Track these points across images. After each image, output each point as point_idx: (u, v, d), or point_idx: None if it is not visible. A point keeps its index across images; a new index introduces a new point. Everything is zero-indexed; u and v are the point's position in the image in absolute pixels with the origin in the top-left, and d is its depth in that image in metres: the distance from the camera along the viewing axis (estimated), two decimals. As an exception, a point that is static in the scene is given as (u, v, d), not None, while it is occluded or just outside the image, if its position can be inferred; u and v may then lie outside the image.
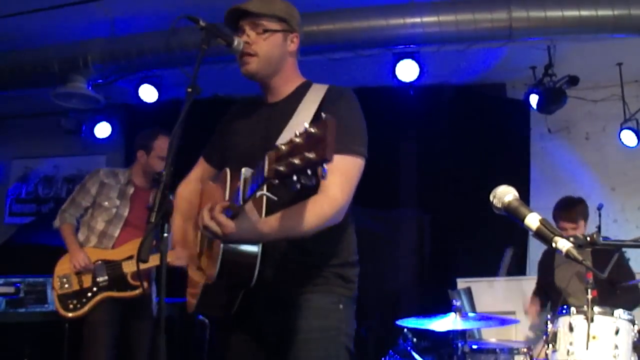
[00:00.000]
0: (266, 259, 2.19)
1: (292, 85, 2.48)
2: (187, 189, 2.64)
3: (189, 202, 2.61)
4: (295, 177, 1.67)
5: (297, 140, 1.67)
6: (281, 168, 1.68)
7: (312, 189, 2.17)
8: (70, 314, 4.29)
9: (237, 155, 2.40)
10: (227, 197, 2.15)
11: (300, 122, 2.20)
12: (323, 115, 1.65)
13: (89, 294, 4.32)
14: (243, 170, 1.92)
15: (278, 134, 2.21)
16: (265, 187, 1.83)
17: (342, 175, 2.21)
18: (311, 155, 1.62)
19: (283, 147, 1.70)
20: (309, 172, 1.65)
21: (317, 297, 2.31)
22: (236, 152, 2.45)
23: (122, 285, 4.34)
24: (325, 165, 1.65)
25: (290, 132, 1.78)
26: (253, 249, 2.13)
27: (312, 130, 1.64)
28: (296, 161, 1.65)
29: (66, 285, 4.33)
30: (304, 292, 2.31)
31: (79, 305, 4.29)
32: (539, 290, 5.07)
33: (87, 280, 4.34)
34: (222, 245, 2.09)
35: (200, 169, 2.67)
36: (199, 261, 2.38)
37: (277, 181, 1.72)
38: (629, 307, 3.96)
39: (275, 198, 1.94)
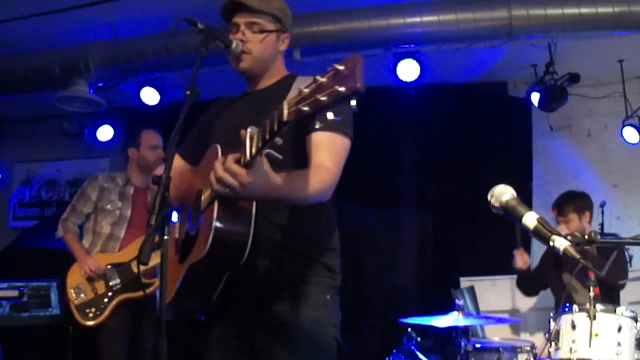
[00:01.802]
0: (257, 246, 2.16)
1: (278, 76, 2.52)
2: None
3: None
4: (319, 116, 1.66)
5: (322, 79, 1.63)
6: (305, 108, 1.65)
7: (300, 158, 2.20)
8: (90, 322, 4.27)
9: (220, 136, 2.39)
10: None
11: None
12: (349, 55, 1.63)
13: (106, 300, 4.31)
14: (248, 129, 1.88)
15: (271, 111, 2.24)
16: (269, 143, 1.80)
17: (333, 151, 2.25)
18: (341, 89, 1.58)
19: (305, 89, 1.67)
20: (335, 108, 1.63)
21: (307, 288, 2.31)
22: (219, 134, 2.43)
23: (135, 285, 4.33)
24: (355, 101, 1.62)
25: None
26: (245, 228, 2.09)
27: (339, 67, 1.61)
28: (323, 98, 1.61)
29: (81, 295, 4.33)
30: (294, 283, 2.31)
31: (98, 312, 4.28)
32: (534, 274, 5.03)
33: (100, 287, 4.34)
34: (214, 217, 2.04)
35: (174, 164, 2.55)
36: (181, 244, 2.34)
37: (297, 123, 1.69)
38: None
39: (281, 157, 1.92)
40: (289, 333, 2.26)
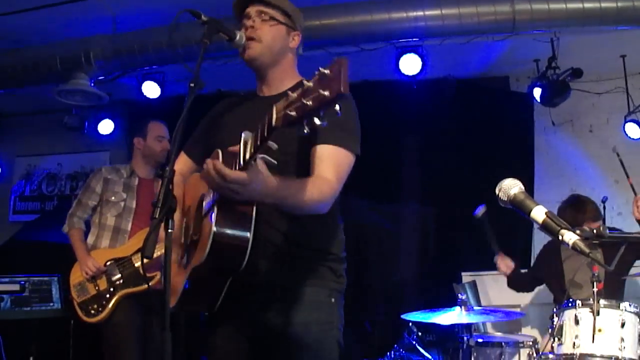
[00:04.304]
0: (260, 251, 2.18)
1: (289, 82, 2.48)
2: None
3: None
4: (306, 121, 1.65)
5: (308, 83, 1.64)
6: (292, 112, 1.66)
7: (305, 169, 2.21)
8: (93, 319, 4.26)
9: (226, 141, 2.34)
10: None
11: None
12: (335, 58, 1.62)
13: (108, 295, 4.28)
14: (243, 134, 1.90)
15: None
16: (263, 149, 1.81)
17: (336, 164, 2.24)
18: (325, 93, 1.59)
19: (293, 94, 1.68)
20: (321, 113, 1.63)
21: (311, 290, 2.33)
22: (225, 144, 2.42)
23: (137, 279, 4.31)
24: (338, 105, 1.61)
25: None
26: (245, 233, 2.10)
27: (325, 70, 1.62)
28: (309, 102, 1.62)
29: (83, 292, 4.31)
30: (299, 285, 2.32)
31: (100, 309, 4.26)
32: (525, 274, 5.07)
33: (102, 283, 4.31)
34: (214, 221, 2.05)
35: (181, 164, 2.62)
36: (185, 248, 2.35)
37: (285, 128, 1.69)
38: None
39: (275, 162, 1.92)
40: (292, 335, 2.28)
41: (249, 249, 2.09)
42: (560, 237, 1.70)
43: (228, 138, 2.42)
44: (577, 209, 4.66)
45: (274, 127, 1.73)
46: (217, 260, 2.09)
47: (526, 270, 5.12)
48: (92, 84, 5.84)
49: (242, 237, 2.09)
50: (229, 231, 2.08)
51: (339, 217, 2.47)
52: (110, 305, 4.26)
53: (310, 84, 1.64)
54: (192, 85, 2.23)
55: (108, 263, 4.34)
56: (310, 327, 2.30)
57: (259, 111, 2.40)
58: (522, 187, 1.87)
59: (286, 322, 2.28)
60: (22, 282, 5.15)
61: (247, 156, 1.89)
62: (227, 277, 2.21)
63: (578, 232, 1.69)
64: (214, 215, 2.07)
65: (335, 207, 2.33)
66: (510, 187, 1.87)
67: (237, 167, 1.92)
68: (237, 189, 1.94)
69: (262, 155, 1.87)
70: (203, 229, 2.17)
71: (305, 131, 1.66)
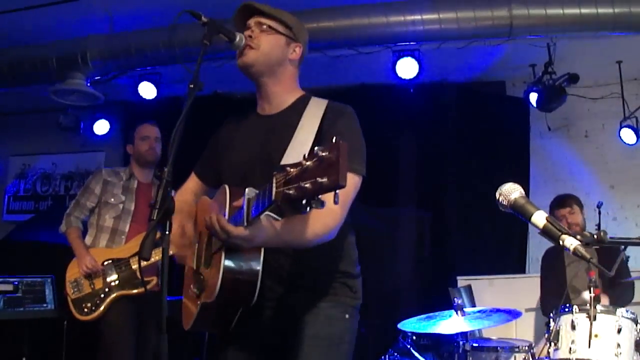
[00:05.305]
0: (272, 277, 2.19)
1: (290, 97, 2.45)
2: (184, 198, 2.57)
3: (188, 205, 2.55)
4: (304, 201, 1.65)
5: (307, 163, 1.64)
6: (291, 192, 1.65)
7: None
8: (86, 317, 4.26)
9: (233, 170, 2.40)
10: (226, 216, 2.11)
11: (303, 139, 2.21)
12: (334, 138, 1.61)
13: (102, 295, 4.28)
14: (246, 190, 1.90)
15: (279, 149, 2.21)
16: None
17: (342, 191, 2.21)
18: (323, 180, 1.59)
19: (292, 170, 1.67)
20: (319, 196, 1.64)
21: (324, 306, 2.32)
22: (232, 167, 2.43)
23: (133, 282, 4.31)
24: (338, 191, 1.62)
25: (295, 150, 1.76)
26: (254, 267, 2.11)
27: (324, 154, 1.61)
28: (307, 185, 1.62)
29: (78, 290, 4.31)
30: (315, 302, 2.32)
31: (93, 308, 4.26)
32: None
33: (98, 282, 4.31)
34: (222, 264, 2.06)
35: (193, 183, 2.63)
36: (196, 277, 2.34)
37: (284, 204, 1.71)
38: (622, 304, 3.98)
39: (279, 218, 1.94)
40: (303, 348, 2.27)
41: (258, 283, 2.11)
42: (561, 242, 1.70)
43: (234, 160, 2.45)
44: (552, 205, 4.78)
45: (274, 202, 1.73)
46: (226, 298, 2.11)
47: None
48: (88, 84, 5.83)
49: (251, 273, 2.11)
50: (238, 269, 2.09)
51: (350, 233, 2.45)
52: (104, 305, 4.26)
53: (309, 163, 1.63)
54: (191, 86, 2.21)
55: (106, 263, 4.34)
56: (320, 342, 2.29)
57: (262, 132, 2.41)
58: (523, 192, 1.86)
59: (297, 334, 2.28)
60: (16, 283, 5.12)
61: (251, 218, 1.90)
62: (238, 309, 2.22)
63: (579, 237, 1.69)
64: (222, 255, 2.08)
65: (345, 226, 2.31)
66: (511, 191, 1.86)
67: (245, 222, 1.94)
68: (241, 243, 1.99)
69: (266, 213, 1.88)
70: (213, 264, 2.18)
71: (308, 209, 1.67)
